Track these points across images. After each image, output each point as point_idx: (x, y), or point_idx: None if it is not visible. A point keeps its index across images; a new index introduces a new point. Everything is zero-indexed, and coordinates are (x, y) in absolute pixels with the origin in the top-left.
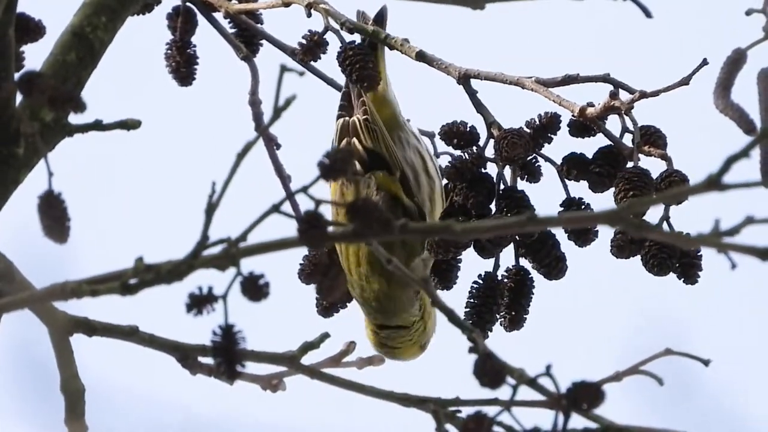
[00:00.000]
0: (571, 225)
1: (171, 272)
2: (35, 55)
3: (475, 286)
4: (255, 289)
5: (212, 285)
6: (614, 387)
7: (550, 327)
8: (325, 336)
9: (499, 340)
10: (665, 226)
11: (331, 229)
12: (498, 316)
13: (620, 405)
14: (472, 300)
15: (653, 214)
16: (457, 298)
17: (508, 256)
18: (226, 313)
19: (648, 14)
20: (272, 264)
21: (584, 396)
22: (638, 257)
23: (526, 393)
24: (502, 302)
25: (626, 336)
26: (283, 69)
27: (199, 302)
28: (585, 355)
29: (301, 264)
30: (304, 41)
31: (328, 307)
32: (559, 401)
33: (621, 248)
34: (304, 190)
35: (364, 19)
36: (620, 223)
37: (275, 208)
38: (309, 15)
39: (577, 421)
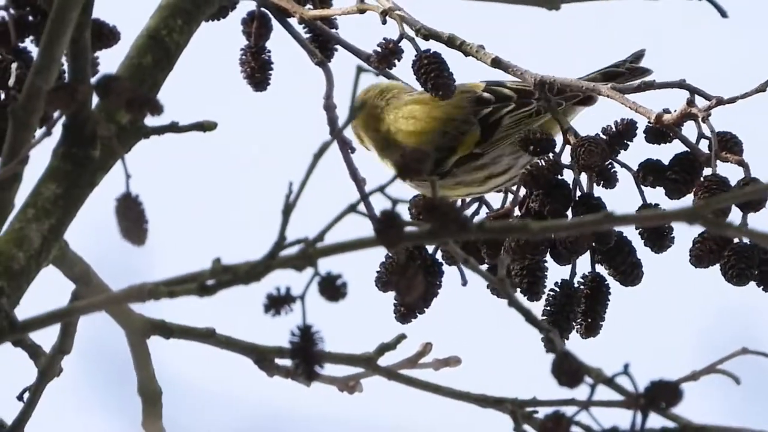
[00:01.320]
0: (649, 223)
1: (248, 273)
2: (109, 61)
3: (551, 293)
4: (333, 289)
5: (290, 285)
6: (691, 386)
7: (625, 328)
8: (402, 337)
9: (575, 346)
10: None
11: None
12: (574, 324)
13: (697, 404)
14: (548, 308)
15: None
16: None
17: (584, 264)
18: (303, 313)
19: (723, 14)
20: (349, 264)
21: (662, 395)
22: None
23: (603, 392)
24: (579, 309)
25: (702, 335)
26: (360, 70)
27: (276, 303)
28: (660, 354)
29: (377, 272)
30: (379, 48)
31: (405, 312)
32: (637, 400)
33: (700, 258)
34: (381, 189)
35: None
36: (699, 221)
37: (352, 208)
38: (384, 22)
39: (654, 420)
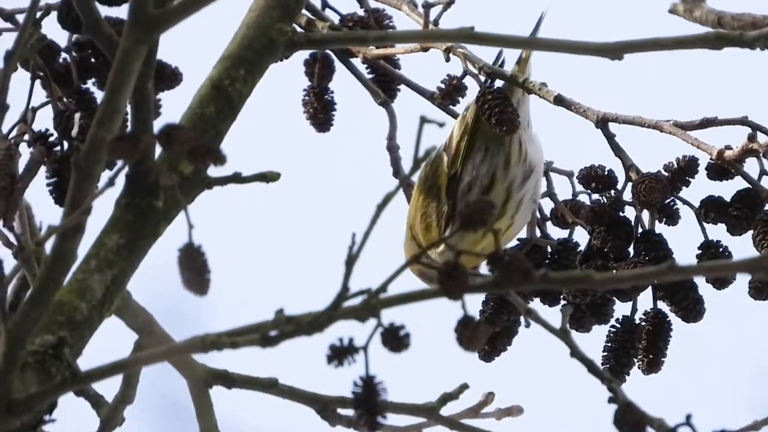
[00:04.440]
0: (711, 274)
1: (311, 324)
2: (171, 102)
3: (612, 330)
4: (395, 340)
5: (353, 336)
6: None
7: (686, 367)
8: (464, 387)
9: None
10: None
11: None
12: (636, 360)
13: None
14: (609, 344)
15: None
16: (594, 340)
17: (645, 298)
18: (366, 363)
19: None
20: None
21: None
22: None
23: None
24: (640, 345)
25: (764, 374)
26: (423, 120)
27: (339, 353)
28: (720, 393)
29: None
30: (442, 85)
31: (489, 351)
32: None
33: (759, 290)
34: (445, 240)
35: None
36: (760, 272)
37: (415, 259)
38: (447, 59)
39: None
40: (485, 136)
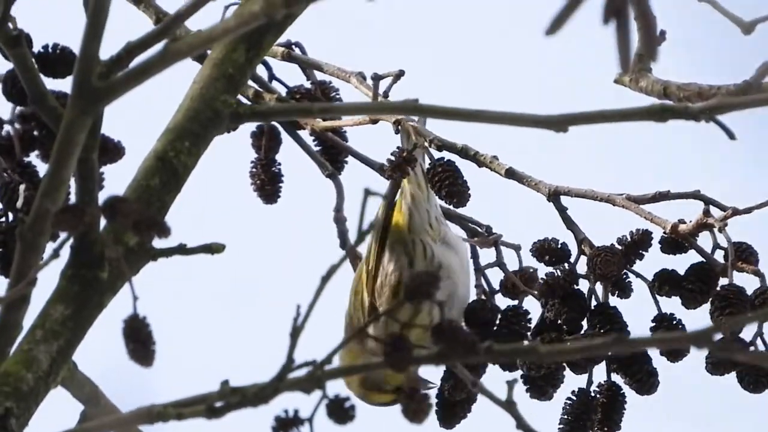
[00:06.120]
0: (659, 346)
1: (257, 395)
2: (114, 176)
3: (568, 402)
4: (341, 411)
5: (298, 408)
6: None
7: None
8: None
9: None
10: (759, 342)
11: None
12: None
13: None
14: (565, 416)
15: (747, 331)
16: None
17: (600, 370)
18: None
19: (732, 136)
20: None
21: None
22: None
23: None
24: (595, 417)
25: None
26: (368, 192)
27: (285, 425)
28: None
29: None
30: (392, 157)
31: (450, 417)
32: None
33: (716, 365)
34: (388, 313)
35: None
36: (707, 345)
37: (360, 331)
38: (397, 131)
39: None
40: (393, 238)
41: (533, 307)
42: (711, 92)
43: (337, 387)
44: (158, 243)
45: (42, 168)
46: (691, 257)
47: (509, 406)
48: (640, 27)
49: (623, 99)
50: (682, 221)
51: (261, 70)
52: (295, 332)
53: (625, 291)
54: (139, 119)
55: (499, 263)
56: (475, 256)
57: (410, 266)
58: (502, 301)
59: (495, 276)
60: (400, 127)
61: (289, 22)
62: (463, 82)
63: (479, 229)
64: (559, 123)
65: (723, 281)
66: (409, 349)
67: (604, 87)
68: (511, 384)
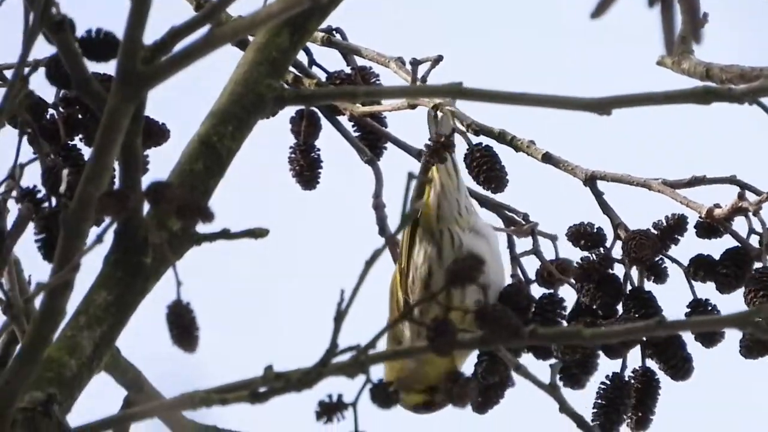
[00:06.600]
0: (701, 329)
1: (300, 380)
2: (159, 159)
3: (602, 387)
4: (384, 396)
5: (342, 392)
6: None
7: (675, 422)
8: None
9: None
10: None
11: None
12: (625, 417)
13: None
14: (599, 401)
15: None
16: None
17: (635, 356)
18: (356, 420)
19: None
20: None
21: None
22: None
23: None
24: (629, 402)
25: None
26: (411, 176)
27: (329, 410)
28: None
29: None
30: (430, 143)
31: (483, 403)
32: None
33: (750, 349)
34: (433, 296)
35: None
36: (749, 327)
37: (404, 316)
38: (435, 117)
39: None
40: (422, 230)
41: (569, 296)
42: (753, 74)
43: (380, 372)
44: (202, 228)
45: (86, 152)
46: (727, 242)
47: (552, 389)
48: (683, 9)
49: (659, 83)
50: (717, 206)
51: (301, 56)
52: (339, 317)
53: (660, 276)
54: (183, 104)
55: (535, 251)
56: (511, 245)
57: (439, 257)
58: (538, 291)
59: (531, 265)
60: (439, 111)
61: (333, 6)
62: (500, 67)
63: (516, 217)
64: (604, 106)
65: (757, 265)
66: (453, 333)
67: (645, 69)
68: (554, 367)
